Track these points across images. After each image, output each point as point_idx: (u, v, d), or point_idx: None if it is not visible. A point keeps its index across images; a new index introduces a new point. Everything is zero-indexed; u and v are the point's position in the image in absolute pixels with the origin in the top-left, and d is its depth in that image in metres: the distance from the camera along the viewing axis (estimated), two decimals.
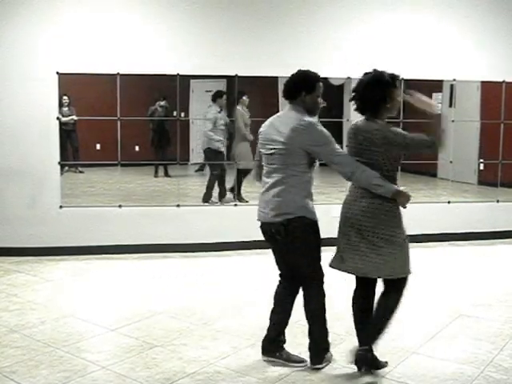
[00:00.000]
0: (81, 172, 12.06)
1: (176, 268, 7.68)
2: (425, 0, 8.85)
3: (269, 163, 4.59)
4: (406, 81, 8.70)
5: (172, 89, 8.50)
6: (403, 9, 8.80)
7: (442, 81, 10.23)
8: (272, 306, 4.89)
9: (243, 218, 8.39)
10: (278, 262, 4.87)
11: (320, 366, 4.68)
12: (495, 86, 9.33)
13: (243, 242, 8.36)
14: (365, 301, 4.67)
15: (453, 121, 9.59)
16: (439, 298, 6.43)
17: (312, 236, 4.58)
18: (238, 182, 9.80)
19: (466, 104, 10.87)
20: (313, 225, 4.57)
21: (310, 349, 4.72)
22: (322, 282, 4.65)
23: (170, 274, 7.43)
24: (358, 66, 8.50)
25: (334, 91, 10.12)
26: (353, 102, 4.59)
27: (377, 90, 4.41)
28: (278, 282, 4.92)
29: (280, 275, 4.90)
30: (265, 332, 4.88)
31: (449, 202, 9.19)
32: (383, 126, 4.43)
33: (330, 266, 4.63)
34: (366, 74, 4.52)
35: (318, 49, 8.53)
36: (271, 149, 4.53)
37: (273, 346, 4.83)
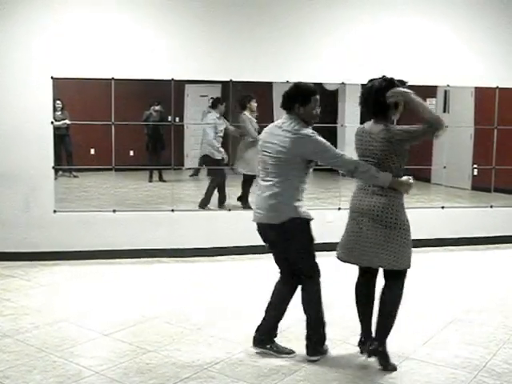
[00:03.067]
0: (75, 176, 12.06)
1: (170, 273, 7.68)
2: (419, 6, 8.88)
3: (265, 167, 4.84)
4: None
5: (167, 93, 8.51)
6: (397, 15, 8.83)
7: (436, 86, 10.29)
8: (268, 301, 5.09)
9: (237, 224, 8.41)
10: (276, 261, 5.07)
11: (315, 358, 4.89)
12: (489, 92, 9.36)
13: (237, 247, 8.37)
14: (369, 289, 4.93)
15: (446, 126, 9.61)
16: (433, 303, 6.44)
17: (306, 235, 4.82)
18: (246, 189, 9.81)
19: (459, 109, 10.90)
20: (306, 224, 4.80)
21: (307, 340, 4.94)
22: (319, 278, 4.90)
23: (164, 279, 7.42)
24: (352, 71, 8.61)
25: (328, 97, 10.15)
26: (360, 106, 4.86)
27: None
28: (278, 279, 5.12)
29: (280, 272, 5.10)
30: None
31: (442, 208, 9.21)
32: (391, 127, 4.69)
33: (340, 258, 4.89)
34: (372, 79, 4.76)
35: (313, 54, 8.55)
36: (269, 154, 4.77)
37: (266, 337, 5.03)
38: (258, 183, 4.92)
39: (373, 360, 4.83)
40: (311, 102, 4.77)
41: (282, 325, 5.10)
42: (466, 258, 8.64)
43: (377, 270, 4.87)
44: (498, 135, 9.44)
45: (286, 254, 4.92)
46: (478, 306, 6.36)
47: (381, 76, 4.76)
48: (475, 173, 11.70)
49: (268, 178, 4.79)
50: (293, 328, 5.08)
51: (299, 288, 4.96)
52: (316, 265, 4.90)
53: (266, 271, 7.76)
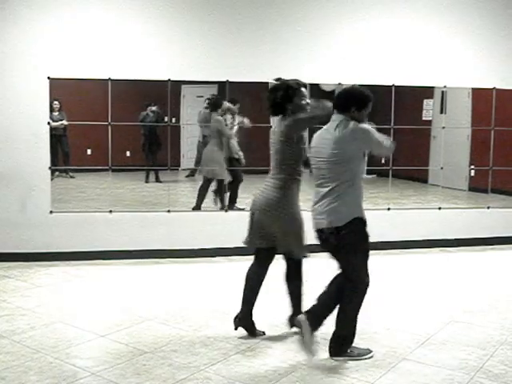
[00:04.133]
0: (72, 177, 12.04)
1: (166, 274, 7.66)
2: (416, 7, 8.88)
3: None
4: (398, 87, 8.78)
5: (163, 94, 8.50)
6: (395, 15, 8.83)
7: (433, 87, 10.29)
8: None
9: (234, 224, 8.38)
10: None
11: (340, 358, 4.91)
12: (486, 93, 9.36)
13: (234, 248, 8.34)
14: None
15: (443, 127, 9.62)
16: (430, 304, 6.43)
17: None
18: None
19: (456, 110, 10.90)
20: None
21: (332, 340, 4.95)
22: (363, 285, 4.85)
23: (161, 279, 7.41)
24: (349, 72, 8.61)
25: (325, 97, 10.13)
26: None
27: None
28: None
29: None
30: (256, 339, 5.16)
31: (439, 208, 9.20)
32: None
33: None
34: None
35: (309, 55, 8.54)
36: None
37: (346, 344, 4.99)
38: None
39: (370, 361, 4.84)
40: (367, 107, 4.83)
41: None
42: (463, 259, 8.63)
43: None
44: (495, 136, 9.44)
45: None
46: (475, 307, 6.36)
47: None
48: (472, 174, 11.71)
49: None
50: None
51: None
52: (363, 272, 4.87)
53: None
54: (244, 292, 5.46)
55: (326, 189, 4.71)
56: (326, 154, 4.69)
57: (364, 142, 4.70)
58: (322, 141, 4.79)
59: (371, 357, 4.94)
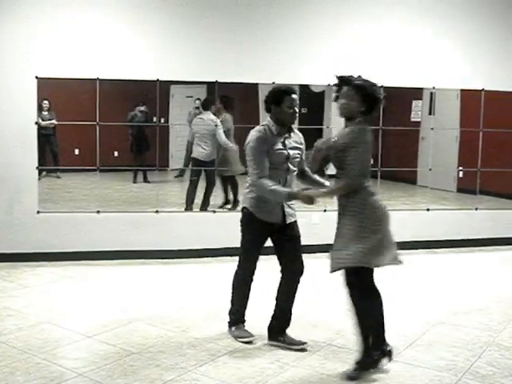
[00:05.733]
0: (58, 177, 11.99)
1: (154, 274, 7.65)
2: (405, 8, 8.90)
3: None
4: (386, 88, 8.78)
5: (152, 94, 8.48)
6: (384, 17, 8.84)
7: (421, 89, 10.31)
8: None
9: (222, 225, 8.40)
10: None
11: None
12: (474, 95, 9.39)
13: (222, 248, 8.34)
14: None
15: (432, 128, 9.64)
16: (417, 306, 6.45)
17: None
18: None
19: (445, 112, 10.93)
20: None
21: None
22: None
23: (148, 280, 7.39)
24: (338, 73, 8.59)
25: (314, 98, 10.15)
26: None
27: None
28: None
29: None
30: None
31: (428, 210, 9.22)
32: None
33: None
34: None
35: (299, 56, 8.54)
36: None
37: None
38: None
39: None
40: (284, 102, 5.05)
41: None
42: (451, 260, 8.66)
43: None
44: (483, 138, 9.46)
45: None
46: (463, 309, 6.37)
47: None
48: (461, 175, 11.74)
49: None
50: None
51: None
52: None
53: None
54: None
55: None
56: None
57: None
58: None
59: (302, 349, 5.07)
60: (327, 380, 4.57)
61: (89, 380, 4.48)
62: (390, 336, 5.45)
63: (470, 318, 6.09)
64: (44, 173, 10.38)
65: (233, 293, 5.45)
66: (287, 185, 5.10)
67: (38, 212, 8.04)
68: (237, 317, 5.42)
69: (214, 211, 8.88)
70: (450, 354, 5.10)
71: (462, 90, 9.94)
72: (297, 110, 5.10)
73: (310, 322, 5.67)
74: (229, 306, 5.46)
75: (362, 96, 4.72)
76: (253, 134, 5.05)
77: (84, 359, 4.90)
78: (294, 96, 5.09)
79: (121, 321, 5.79)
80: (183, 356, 4.98)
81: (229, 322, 5.46)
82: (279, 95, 5.05)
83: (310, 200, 4.82)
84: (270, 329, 5.26)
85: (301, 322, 5.60)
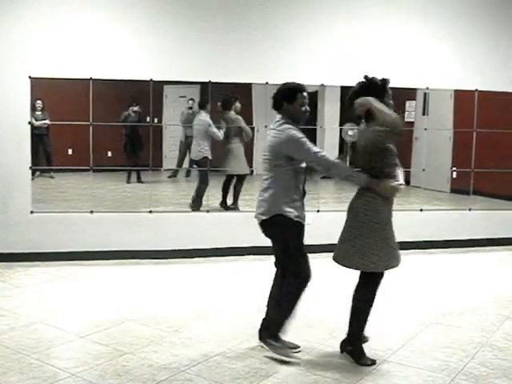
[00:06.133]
0: (51, 177, 11.96)
1: (147, 275, 7.64)
2: (398, 9, 8.91)
3: (264, 167, 5.03)
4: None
5: (145, 94, 8.47)
6: (377, 18, 8.85)
7: (415, 89, 10.31)
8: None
9: (215, 225, 8.40)
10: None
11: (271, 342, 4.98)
12: (468, 95, 9.40)
13: (215, 248, 8.35)
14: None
15: (425, 129, 9.65)
16: (411, 306, 6.45)
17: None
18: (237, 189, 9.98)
19: (439, 112, 10.94)
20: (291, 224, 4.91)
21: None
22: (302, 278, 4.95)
23: (141, 280, 7.38)
24: (331, 73, 8.63)
25: (308, 98, 10.14)
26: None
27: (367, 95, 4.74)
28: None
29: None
30: (237, 340, 5.16)
31: (421, 210, 9.23)
32: (371, 127, 4.70)
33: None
34: (358, 82, 4.94)
35: (292, 56, 8.54)
36: (264, 154, 5.00)
37: None
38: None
39: (351, 363, 4.86)
40: (297, 99, 4.94)
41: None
42: (445, 260, 8.67)
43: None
44: (476, 138, 9.48)
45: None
46: (456, 309, 6.38)
47: (363, 77, 4.94)
48: (454, 175, 11.75)
49: (264, 178, 4.98)
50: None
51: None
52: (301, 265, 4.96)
53: (243, 273, 7.77)
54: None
55: (265, 182, 4.99)
56: (266, 150, 4.97)
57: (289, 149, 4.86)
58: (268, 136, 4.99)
59: (297, 352, 5.01)
60: (320, 380, 4.57)
61: (82, 380, 4.47)
62: (383, 336, 5.48)
63: (464, 318, 6.10)
64: (37, 173, 10.35)
65: (288, 304, 5.00)
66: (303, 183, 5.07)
67: (32, 212, 8.02)
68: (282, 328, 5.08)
69: (208, 211, 8.87)
70: (443, 355, 5.11)
71: (455, 91, 9.96)
72: (308, 109, 5.03)
73: (306, 323, 5.67)
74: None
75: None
76: (286, 131, 4.83)
77: (77, 359, 4.89)
78: (305, 93, 5.02)
79: (114, 321, 5.78)
80: (176, 356, 4.97)
81: (273, 335, 5.05)
82: (293, 92, 4.95)
83: (393, 189, 4.84)
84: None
85: (296, 322, 5.61)
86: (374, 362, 4.86)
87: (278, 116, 4.97)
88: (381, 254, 4.68)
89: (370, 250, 4.66)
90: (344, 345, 4.98)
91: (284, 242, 4.94)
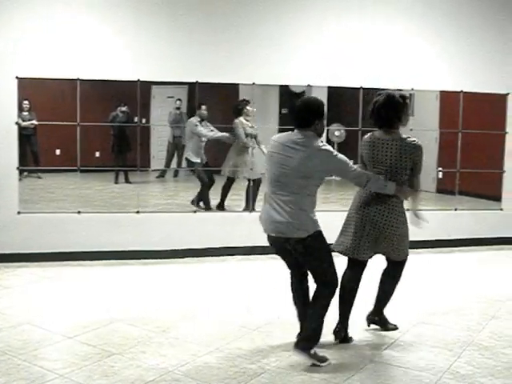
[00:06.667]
0: (39, 177, 11.94)
1: (135, 275, 7.64)
2: (384, 10, 8.94)
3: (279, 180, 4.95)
4: (365, 89, 8.83)
5: (133, 95, 8.47)
6: (362, 18, 8.87)
7: (400, 90, 10.34)
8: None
9: (203, 226, 8.40)
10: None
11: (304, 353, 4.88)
12: (453, 96, 9.45)
13: (202, 249, 8.35)
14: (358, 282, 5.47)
15: (411, 130, 9.69)
16: (397, 306, 6.45)
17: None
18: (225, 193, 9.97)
19: (424, 113, 10.98)
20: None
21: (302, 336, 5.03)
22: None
23: (129, 281, 7.38)
24: (318, 74, 8.65)
25: (294, 99, 10.16)
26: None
27: (391, 110, 5.22)
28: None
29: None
30: (225, 340, 5.15)
31: (407, 210, 9.22)
32: (407, 138, 5.37)
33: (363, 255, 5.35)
34: (379, 94, 5.31)
35: (279, 57, 8.56)
36: (283, 170, 4.86)
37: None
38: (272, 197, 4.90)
39: (338, 362, 4.87)
40: (324, 115, 4.96)
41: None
42: (431, 260, 8.70)
43: (366, 264, 5.45)
44: (462, 139, 9.54)
45: None
46: (443, 309, 6.42)
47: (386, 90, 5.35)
48: (440, 176, 11.80)
49: (284, 193, 4.80)
50: (263, 328, 5.01)
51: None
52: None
53: (231, 273, 7.78)
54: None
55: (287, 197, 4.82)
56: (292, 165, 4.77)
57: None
58: (288, 150, 4.80)
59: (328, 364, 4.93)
60: (308, 380, 4.59)
61: (69, 381, 4.47)
62: (370, 336, 5.50)
63: (450, 318, 6.14)
64: (25, 173, 10.33)
65: (324, 313, 4.97)
66: None
67: (19, 212, 8.01)
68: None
69: (195, 211, 8.87)
70: (429, 354, 5.14)
71: (441, 92, 10.01)
72: None
73: (294, 322, 5.69)
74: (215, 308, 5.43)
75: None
76: (323, 147, 4.76)
77: (65, 360, 4.89)
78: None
79: (101, 321, 5.78)
80: (164, 356, 4.98)
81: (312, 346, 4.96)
82: (322, 108, 4.92)
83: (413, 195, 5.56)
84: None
85: (282, 322, 5.64)
86: (396, 327, 5.71)
87: (300, 131, 4.83)
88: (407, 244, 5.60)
89: (406, 242, 5.56)
90: (371, 318, 5.72)
91: (322, 256, 4.90)
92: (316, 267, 4.95)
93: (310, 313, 4.97)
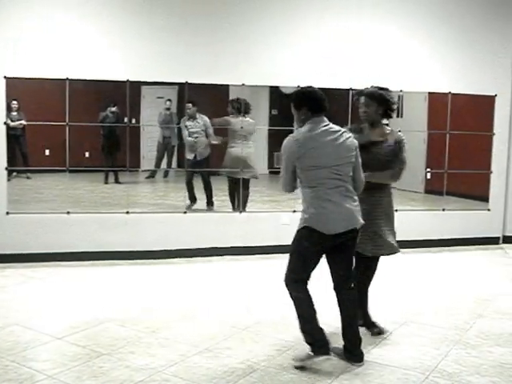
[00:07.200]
0: (28, 178, 11.90)
1: (124, 275, 7.64)
2: (373, 11, 8.97)
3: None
4: (354, 90, 8.85)
5: (123, 95, 8.47)
6: (352, 18, 8.91)
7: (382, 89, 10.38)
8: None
9: (192, 226, 8.41)
10: None
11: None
12: (442, 97, 9.51)
13: (192, 249, 8.36)
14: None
15: (400, 131, 9.72)
16: (385, 305, 6.50)
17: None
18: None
19: (413, 114, 11.02)
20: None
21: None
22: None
23: (118, 281, 7.39)
24: (307, 75, 8.67)
25: (285, 100, 10.18)
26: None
27: None
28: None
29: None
30: (215, 340, 5.24)
31: (396, 211, 9.23)
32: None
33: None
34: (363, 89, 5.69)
35: (269, 58, 8.59)
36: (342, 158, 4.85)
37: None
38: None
39: (327, 362, 4.89)
40: None
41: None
42: (419, 260, 8.73)
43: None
44: (450, 140, 9.59)
45: None
46: (430, 308, 6.45)
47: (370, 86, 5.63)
48: (428, 176, 11.83)
49: (340, 184, 4.74)
50: (252, 327, 5.02)
51: None
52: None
53: (220, 274, 7.78)
54: None
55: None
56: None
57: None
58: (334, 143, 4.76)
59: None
60: (297, 380, 4.61)
61: (58, 382, 4.48)
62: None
63: (438, 317, 6.17)
64: (14, 173, 10.29)
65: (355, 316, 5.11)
66: None
67: (8, 213, 8.01)
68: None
69: (185, 212, 8.87)
70: (417, 353, 5.17)
71: (429, 93, 10.05)
72: None
73: (285, 323, 5.70)
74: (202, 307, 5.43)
75: (375, 101, 5.58)
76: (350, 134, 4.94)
77: (53, 361, 4.89)
78: None
79: (90, 322, 5.78)
80: (153, 357, 4.99)
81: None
82: None
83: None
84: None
85: (273, 321, 5.65)
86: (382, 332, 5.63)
87: (325, 119, 4.87)
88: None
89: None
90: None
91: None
92: (352, 259, 5.01)
93: (353, 314, 5.08)
